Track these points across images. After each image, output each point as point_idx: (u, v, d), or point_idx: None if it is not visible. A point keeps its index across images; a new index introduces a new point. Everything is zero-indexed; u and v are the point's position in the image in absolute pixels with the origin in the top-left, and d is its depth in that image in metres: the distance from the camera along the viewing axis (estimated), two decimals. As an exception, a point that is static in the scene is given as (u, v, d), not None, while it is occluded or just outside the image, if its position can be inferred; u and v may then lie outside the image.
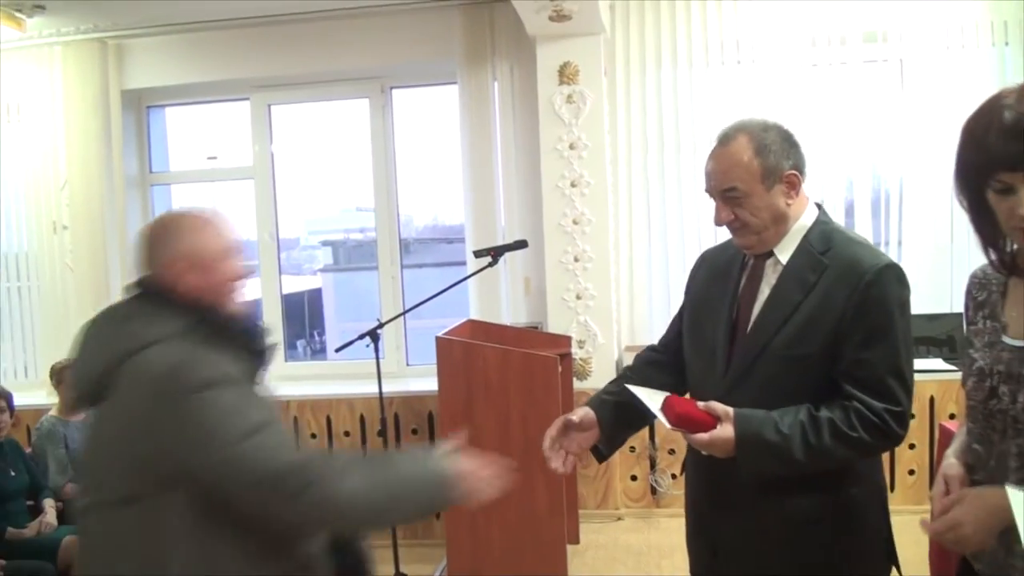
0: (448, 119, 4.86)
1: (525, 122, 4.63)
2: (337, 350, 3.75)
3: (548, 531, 3.52)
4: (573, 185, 4.42)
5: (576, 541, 4.12)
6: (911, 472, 4.30)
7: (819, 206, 1.89)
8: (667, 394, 1.79)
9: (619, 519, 4.48)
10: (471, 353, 3.57)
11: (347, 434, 4.69)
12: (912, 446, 4.29)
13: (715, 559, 1.91)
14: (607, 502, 4.52)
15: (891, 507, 1.86)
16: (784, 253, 1.83)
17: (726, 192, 1.81)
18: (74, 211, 4.91)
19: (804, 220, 1.84)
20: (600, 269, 4.44)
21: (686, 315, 2.04)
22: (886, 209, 4.50)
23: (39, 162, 4.96)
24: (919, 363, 3.89)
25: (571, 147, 4.40)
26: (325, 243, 8.78)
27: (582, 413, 1.96)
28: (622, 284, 4.60)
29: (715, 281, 1.96)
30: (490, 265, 3.77)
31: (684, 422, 1.70)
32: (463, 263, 4.64)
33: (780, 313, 1.78)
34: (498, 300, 4.65)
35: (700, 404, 1.74)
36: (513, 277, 4.66)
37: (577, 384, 4.35)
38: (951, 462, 1.54)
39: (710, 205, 1.88)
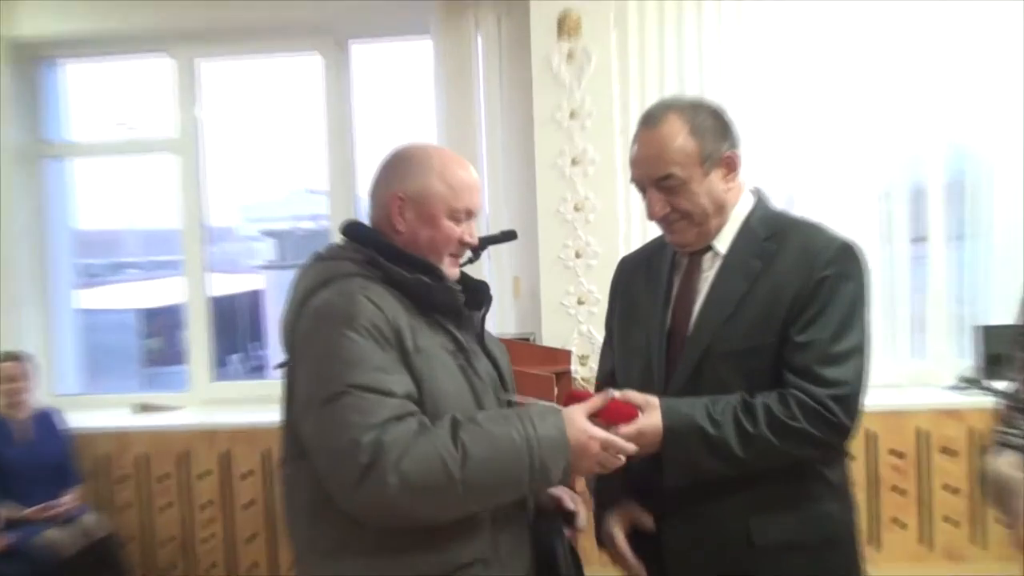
0: (420, 81, 4.86)
1: (516, 85, 4.59)
2: (278, 367, 3.67)
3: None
4: (574, 163, 4.39)
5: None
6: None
7: (757, 191, 2.04)
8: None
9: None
10: (447, 371, 3.50)
11: None
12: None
13: None
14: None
15: (975, 565, 2.02)
16: (722, 242, 1.97)
17: (661, 180, 1.92)
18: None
19: (741, 207, 1.99)
20: (607, 267, 4.13)
21: (616, 335, 2.16)
22: (968, 195, 4.49)
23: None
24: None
25: (572, 116, 4.37)
26: (267, 234, 8.72)
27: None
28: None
29: (643, 288, 2.10)
30: (470, 262, 3.48)
31: (608, 412, 1.78)
32: (438, 259, 4.56)
33: (724, 307, 1.91)
34: (481, 305, 4.59)
35: (615, 392, 1.82)
36: (500, 276, 4.62)
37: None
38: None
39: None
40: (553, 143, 4.39)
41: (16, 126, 5.05)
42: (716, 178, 1.93)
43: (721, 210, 1.96)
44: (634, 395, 1.83)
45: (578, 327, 4.46)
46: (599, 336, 4.34)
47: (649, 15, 4.48)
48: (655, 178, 1.93)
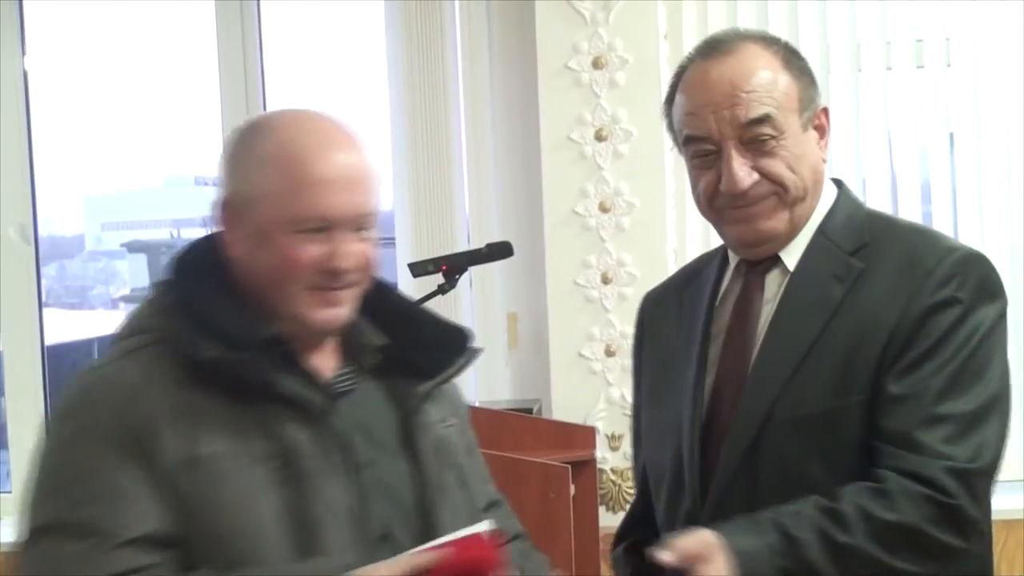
0: (365, 30, 4.78)
1: (508, 25, 4.32)
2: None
3: None
4: (600, 138, 4.05)
5: None
6: None
7: (839, 182, 1.98)
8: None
9: None
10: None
11: None
12: None
13: None
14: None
15: None
16: (791, 255, 1.88)
17: (752, 126, 1.81)
18: None
19: (822, 201, 1.93)
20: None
21: (644, 411, 2.10)
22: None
23: None
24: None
25: (595, 65, 4.03)
26: (132, 247, 8.37)
27: None
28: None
29: (673, 335, 2.01)
30: (441, 292, 3.37)
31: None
32: (392, 285, 4.04)
33: (790, 354, 1.81)
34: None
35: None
36: (486, 313, 4.36)
37: (605, 517, 3.96)
38: None
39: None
40: (567, 108, 4.09)
41: None
42: (813, 137, 1.86)
43: (816, 190, 1.87)
44: (688, 543, 1.64)
45: (606, 390, 4.15)
46: (639, 405, 4.02)
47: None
48: (743, 122, 1.78)
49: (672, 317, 2.04)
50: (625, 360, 3.89)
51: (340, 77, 5.49)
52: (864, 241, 1.85)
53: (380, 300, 1.74)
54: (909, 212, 4.23)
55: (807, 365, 1.78)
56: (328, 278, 1.65)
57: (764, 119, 1.78)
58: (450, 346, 1.80)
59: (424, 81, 4.35)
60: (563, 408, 4.10)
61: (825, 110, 1.89)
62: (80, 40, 5.41)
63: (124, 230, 8.25)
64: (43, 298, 4.90)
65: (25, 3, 4.76)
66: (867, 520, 1.65)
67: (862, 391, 1.75)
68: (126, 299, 8.27)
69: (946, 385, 1.71)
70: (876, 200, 4.23)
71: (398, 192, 4.42)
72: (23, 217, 4.69)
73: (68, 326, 6.91)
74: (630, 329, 3.69)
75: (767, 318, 1.87)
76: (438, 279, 3.33)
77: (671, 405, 1.95)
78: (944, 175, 4.43)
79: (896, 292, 1.78)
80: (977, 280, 1.78)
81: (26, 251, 4.71)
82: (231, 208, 1.67)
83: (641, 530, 2.08)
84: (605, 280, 4.06)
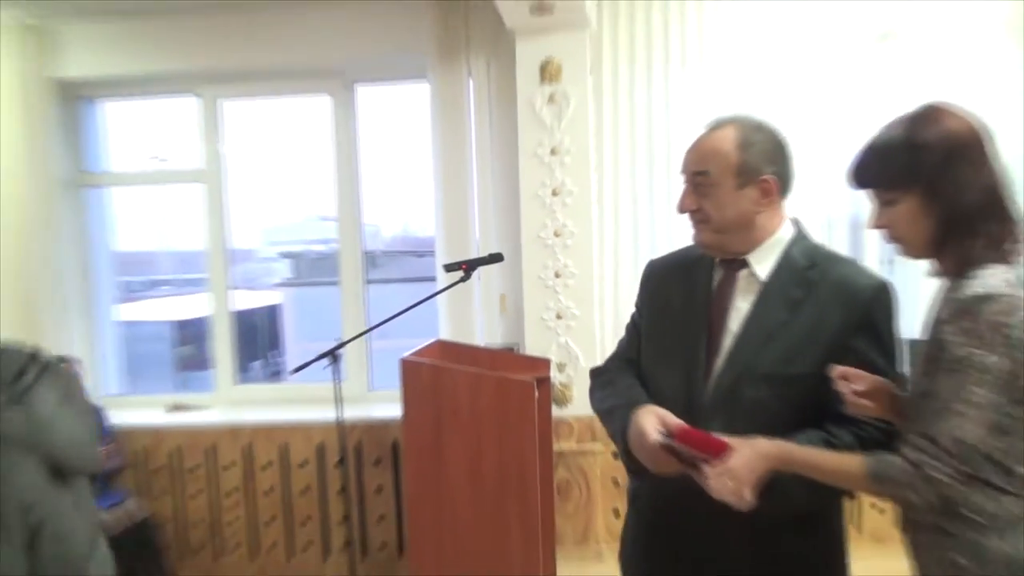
0: (418, 119, 4.76)
1: (503, 124, 4.53)
2: (294, 371, 3.69)
3: (521, 567, 3.39)
4: (554, 193, 4.30)
5: (553, 581, 3.97)
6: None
7: (796, 222, 1.92)
8: None
9: (599, 557, 4.37)
10: (440, 377, 3.45)
11: (304, 464, 4.63)
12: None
13: None
14: (587, 538, 4.42)
15: None
16: (762, 266, 1.84)
17: (696, 175, 1.83)
18: (-7, 213, 4.75)
19: (781, 234, 1.87)
20: (583, 286, 4.33)
21: (646, 333, 2.02)
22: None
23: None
24: None
25: (552, 152, 4.28)
26: (284, 255, 8.76)
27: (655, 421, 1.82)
28: (607, 303, 4.47)
29: (678, 293, 1.95)
30: (462, 280, 3.71)
31: (690, 439, 1.65)
32: (433, 279, 4.54)
33: (764, 331, 1.79)
34: (471, 319, 4.56)
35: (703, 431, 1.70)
36: (488, 294, 4.56)
37: (556, 411, 4.25)
38: None
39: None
40: (536, 176, 4.32)
41: (62, 158, 4.94)
42: (749, 195, 1.82)
43: (746, 227, 1.84)
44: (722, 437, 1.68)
45: (556, 339, 4.38)
46: (576, 348, 4.36)
47: (622, 63, 4.42)
48: (692, 171, 1.85)
49: (677, 280, 1.98)
50: (569, 322, 4.30)
51: (401, 142, 5.42)
52: (814, 261, 1.84)
53: None
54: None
55: (775, 340, 1.78)
56: None
57: (703, 173, 1.83)
58: None
59: (451, 155, 4.50)
60: (531, 348, 4.33)
61: (769, 179, 1.82)
62: (252, 130, 5.37)
63: (278, 245, 8.54)
64: (233, 283, 5.18)
65: (224, 106, 4.99)
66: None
67: (814, 365, 1.74)
68: (279, 284, 8.82)
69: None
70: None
71: (437, 220, 4.54)
72: (222, 238, 5.01)
73: (246, 300, 7.29)
74: (572, 304, 4.27)
75: (745, 304, 1.84)
76: (460, 275, 3.67)
77: (672, 342, 1.92)
78: None
79: (836, 301, 1.78)
80: (892, 300, 1.79)
81: (222, 256, 5.02)
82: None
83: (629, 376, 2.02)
84: (556, 275, 4.30)
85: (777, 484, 1.65)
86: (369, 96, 4.98)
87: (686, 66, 4.37)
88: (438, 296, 4.14)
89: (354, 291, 4.96)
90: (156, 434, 4.67)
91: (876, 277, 1.83)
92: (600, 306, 4.45)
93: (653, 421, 1.77)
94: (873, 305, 1.78)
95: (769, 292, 1.83)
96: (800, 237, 1.89)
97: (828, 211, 4.32)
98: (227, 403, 5.03)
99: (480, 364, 3.81)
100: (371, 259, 5.35)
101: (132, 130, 5.44)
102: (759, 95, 4.33)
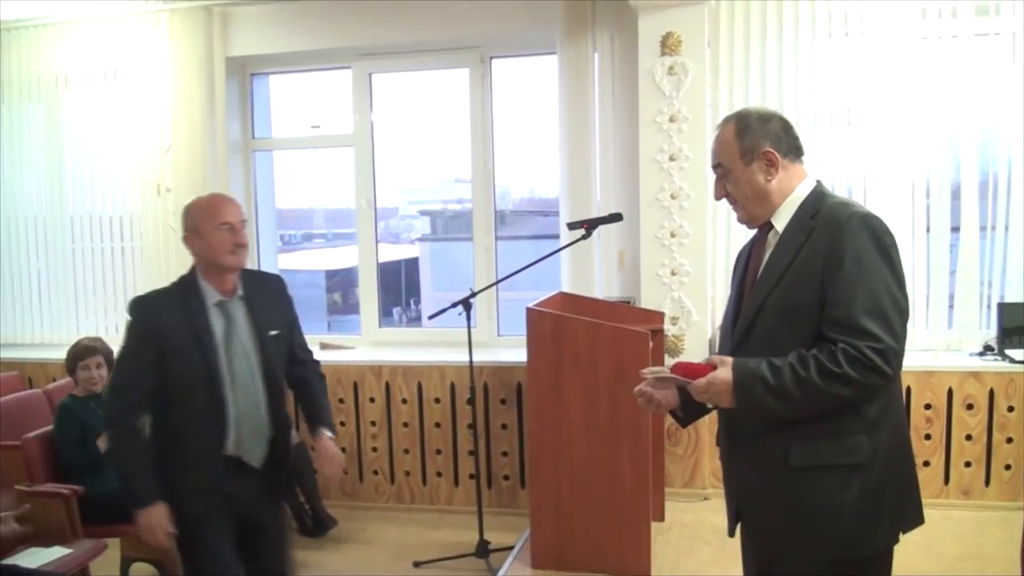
0: (547, 90, 4.87)
1: (624, 94, 4.61)
2: (430, 317, 3.90)
3: (632, 508, 3.52)
4: (672, 159, 4.40)
5: (661, 519, 4.12)
6: (1007, 467, 4.17)
7: (818, 182, 2.03)
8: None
9: (705, 499, 4.48)
10: (561, 325, 3.59)
11: (437, 400, 4.84)
12: (1010, 440, 4.18)
13: (737, 513, 2.12)
14: (694, 481, 4.55)
15: (984, 501, 1.88)
16: (780, 223, 1.98)
17: (715, 168, 2.04)
18: (178, 174, 5.15)
19: (799, 192, 1.99)
20: (696, 245, 4.43)
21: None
22: (994, 192, 4.34)
23: (144, 126, 5.21)
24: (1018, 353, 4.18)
25: (671, 120, 4.38)
26: (423, 213, 9.02)
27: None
28: (719, 262, 4.55)
29: (740, 260, 2.17)
30: (584, 238, 3.84)
31: (682, 369, 1.97)
32: (557, 236, 4.69)
33: (776, 273, 1.94)
34: (591, 273, 4.68)
35: (702, 360, 1.98)
36: (607, 251, 4.67)
37: (668, 361, 4.27)
38: None
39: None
40: (654, 142, 4.41)
41: (233, 125, 5.37)
42: (757, 170, 1.97)
43: (764, 197, 1.99)
44: (715, 357, 1.94)
45: (670, 294, 4.50)
46: (689, 303, 4.49)
47: (738, 36, 4.47)
48: (713, 166, 2.06)
49: (745, 254, 2.13)
50: (682, 279, 4.41)
51: (531, 111, 5.50)
52: (817, 210, 1.93)
53: None
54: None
55: (783, 279, 1.92)
56: None
57: (718, 165, 2.02)
58: None
59: (576, 123, 4.60)
60: (646, 302, 4.43)
61: (769, 152, 1.95)
62: (398, 100, 5.51)
63: (418, 204, 8.81)
64: (378, 237, 5.43)
65: (373, 79, 5.23)
66: (819, 365, 1.81)
67: (811, 294, 1.87)
68: (418, 239, 9.15)
69: (866, 294, 1.82)
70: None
71: (562, 183, 4.65)
72: (369, 196, 5.26)
73: (389, 253, 7.45)
74: (686, 262, 4.39)
75: (767, 255, 1.99)
76: (581, 232, 3.82)
77: (730, 297, 2.14)
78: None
79: (824, 236, 1.88)
80: (863, 227, 1.86)
81: (369, 213, 5.27)
82: None
83: None
84: (672, 235, 4.40)
85: (752, 394, 1.87)
86: (503, 69, 5.12)
87: (799, 39, 4.41)
88: (561, 252, 4.29)
89: (485, 246, 5.18)
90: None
91: (855, 210, 1.91)
92: (712, 265, 4.54)
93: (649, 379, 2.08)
94: (841, 234, 1.86)
95: (782, 242, 1.97)
96: (815, 192, 1.99)
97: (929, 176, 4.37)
98: (371, 344, 5.33)
99: (599, 315, 3.93)
100: (501, 217, 5.53)
101: (293, 100, 5.77)
102: (872, 71, 4.31)
